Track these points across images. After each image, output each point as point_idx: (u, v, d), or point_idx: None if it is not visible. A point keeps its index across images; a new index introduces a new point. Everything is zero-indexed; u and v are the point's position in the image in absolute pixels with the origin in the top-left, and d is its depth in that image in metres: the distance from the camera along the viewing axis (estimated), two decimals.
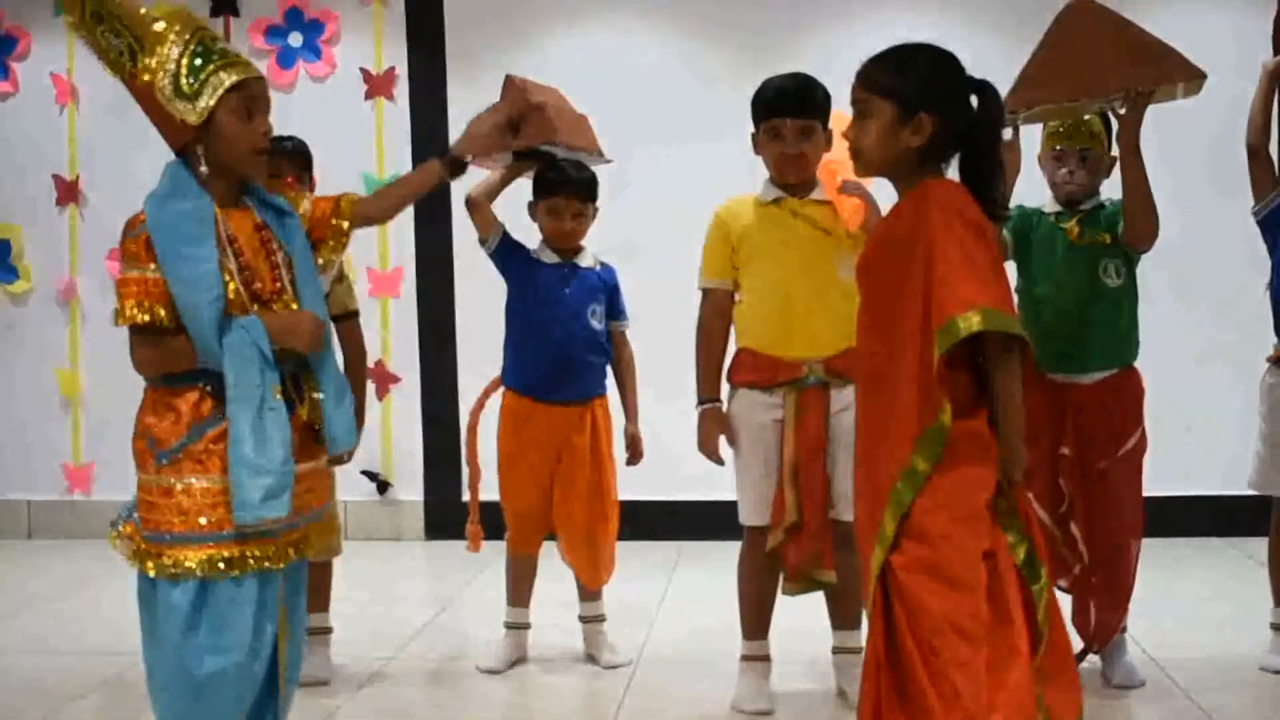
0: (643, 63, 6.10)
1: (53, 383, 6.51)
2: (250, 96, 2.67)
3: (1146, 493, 3.82)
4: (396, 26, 6.24)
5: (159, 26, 2.64)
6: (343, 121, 6.12)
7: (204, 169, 2.67)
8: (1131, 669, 3.82)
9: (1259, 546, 4.18)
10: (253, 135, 2.68)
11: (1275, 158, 4.00)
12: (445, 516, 6.13)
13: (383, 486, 6.19)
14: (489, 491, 4.16)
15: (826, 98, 3.63)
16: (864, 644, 3.66)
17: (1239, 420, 5.75)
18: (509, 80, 4.04)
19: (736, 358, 3.68)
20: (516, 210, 4.14)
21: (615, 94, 5.76)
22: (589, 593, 4.19)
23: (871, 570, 2.56)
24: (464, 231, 5.83)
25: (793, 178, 3.62)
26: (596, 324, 4.09)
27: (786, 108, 3.58)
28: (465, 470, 5.97)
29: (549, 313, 4.05)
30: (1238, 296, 5.73)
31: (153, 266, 2.58)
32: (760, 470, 3.59)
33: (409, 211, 6.09)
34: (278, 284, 2.72)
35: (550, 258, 4.10)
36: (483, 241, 4.11)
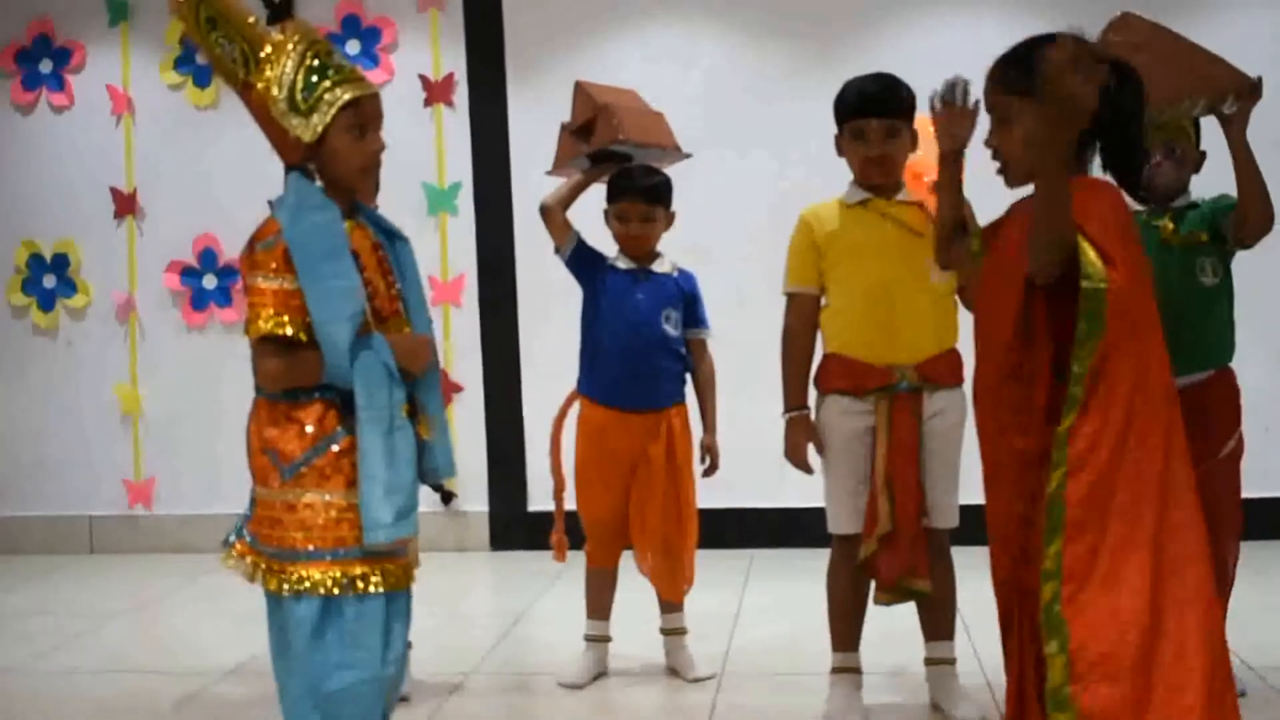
0: (704, 65, 6.03)
1: (113, 399, 6.49)
2: (364, 114, 2.64)
3: (1250, 493, 3.73)
4: (455, 32, 6.18)
5: (277, 37, 2.61)
6: (402, 129, 6.04)
7: (318, 184, 2.64)
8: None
9: None
10: (364, 153, 2.66)
11: None
12: (510, 528, 6.09)
13: (447, 498, 6.11)
14: (571, 501, 4.10)
15: (911, 97, 3.55)
16: (957, 655, 3.63)
17: None
18: (577, 86, 4.01)
19: (824, 364, 3.60)
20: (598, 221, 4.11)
21: (677, 97, 5.69)
22: (669, 604, 4.11)
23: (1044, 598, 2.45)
24: (526, 238, 5.82)
25: (878, 179, 3.55)
26: (671, 330, 4.02)
27: (870, 108, 3.52)
28: (531, 480, 6.00)
29: (621, 318, 3.99)
30: None
31: (290, 278, 2.54)
32: (852, 479, 3.51)
33: (469, 218, 6.12)
34: (395, 304, 2.71)
35: (625, 264, 4.04)
36: (558, 250, 4.05)
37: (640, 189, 3.98)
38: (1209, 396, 3.66)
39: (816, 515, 3.64)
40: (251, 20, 2.66)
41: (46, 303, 6.52)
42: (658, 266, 4.05)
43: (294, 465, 2.58)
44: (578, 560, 4.14)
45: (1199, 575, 2.42)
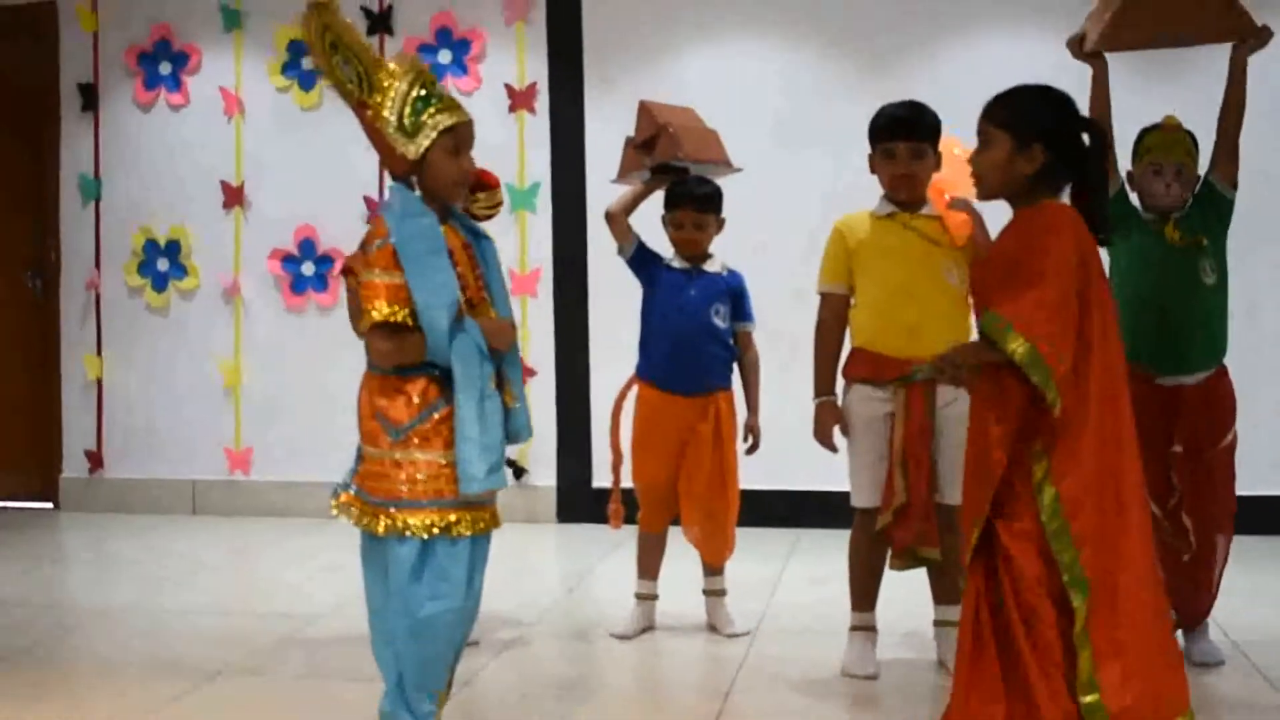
0: (768, 77, 6.46)
1: (216, 373, 7.05)
2: (459, 137, 3.13)
3: (1241, 490, 4.10)
4: (538, 44, 6.68)
5: (392, 66, 3.10)
6: (487, 132, 6.45)
7: (417, 193, 3.13)
8: (1214, 649, 4.10)
9: None
10: (459, 171, 3.14)
11: None
12: (576, 501, 6.57)
13: (519, 472, 6.60)
14: (628, 478, 4.54)
15: (936, 122, 3.99)
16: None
17: None
18: (641, 105, 4.46)
19: (851, 355, 4.05)
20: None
21: (741, 106, 6.13)
22: (711, 569, 4.57)
23: (970, 542, 2.95)
24: (597, 238, 6.27)
25: (904, 195, 3.98)
26: (720, 323, 4.46)
27: (899, 132, 3.96)
28: (596, 458, 6.47)
29: (674, 311, 4.45)
30: None
31: (398, 273, 3.02)
32: (872, 457, 3.94)
33: (547, 217, 6.59)
34: (481, 293, 3.20)
35: (679, 264, 4.50)
36: (620, 251, 4.52)
37: (694, 198, 4.43)
38: (1213, 392, 4.05)
39: None
40: (367, 45, 3.12)
41: (159, 284, 7.10)
42: (709, 266, 4.50)
43: (402, 429, 3.07)
44: (634, 532, 4.61)
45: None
